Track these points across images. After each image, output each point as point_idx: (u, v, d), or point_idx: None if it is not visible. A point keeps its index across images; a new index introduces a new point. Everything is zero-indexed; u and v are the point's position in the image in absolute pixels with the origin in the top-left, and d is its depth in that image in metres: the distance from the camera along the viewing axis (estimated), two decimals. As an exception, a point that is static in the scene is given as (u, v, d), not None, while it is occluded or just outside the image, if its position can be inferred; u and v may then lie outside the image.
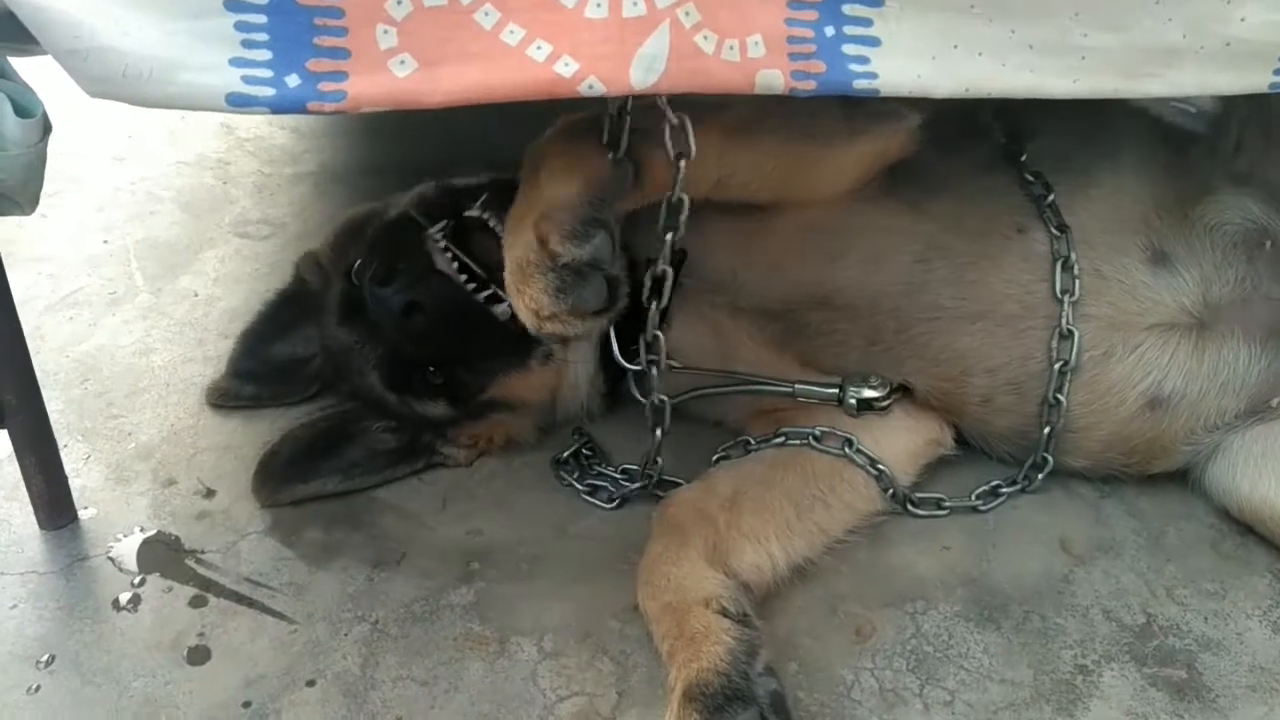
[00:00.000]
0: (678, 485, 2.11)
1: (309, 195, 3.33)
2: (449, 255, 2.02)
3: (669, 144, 1.66)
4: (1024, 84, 1.58)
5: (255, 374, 2.46)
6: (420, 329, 2.01)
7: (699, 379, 2.19)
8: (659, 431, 2.00)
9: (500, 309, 2.00)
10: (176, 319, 2.74)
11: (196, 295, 2.84)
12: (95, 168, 3.50)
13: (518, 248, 1.72)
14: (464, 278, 2.01)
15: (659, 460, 2.07)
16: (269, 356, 2.47)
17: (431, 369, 2.17)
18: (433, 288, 2.00)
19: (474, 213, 2.05)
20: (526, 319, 1.72)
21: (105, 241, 3.10)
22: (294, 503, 2.17)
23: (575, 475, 2.24)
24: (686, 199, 1.72)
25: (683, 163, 1.68)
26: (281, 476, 2.19)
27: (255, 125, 3.78)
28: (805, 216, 2.07)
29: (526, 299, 1.70)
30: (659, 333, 1.88)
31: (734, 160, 1.92)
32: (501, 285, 1.86)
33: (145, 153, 3.61)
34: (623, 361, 2.02)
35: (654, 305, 1.84)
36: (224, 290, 2.85)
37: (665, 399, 1.97)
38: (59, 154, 3.45)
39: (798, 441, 2.10)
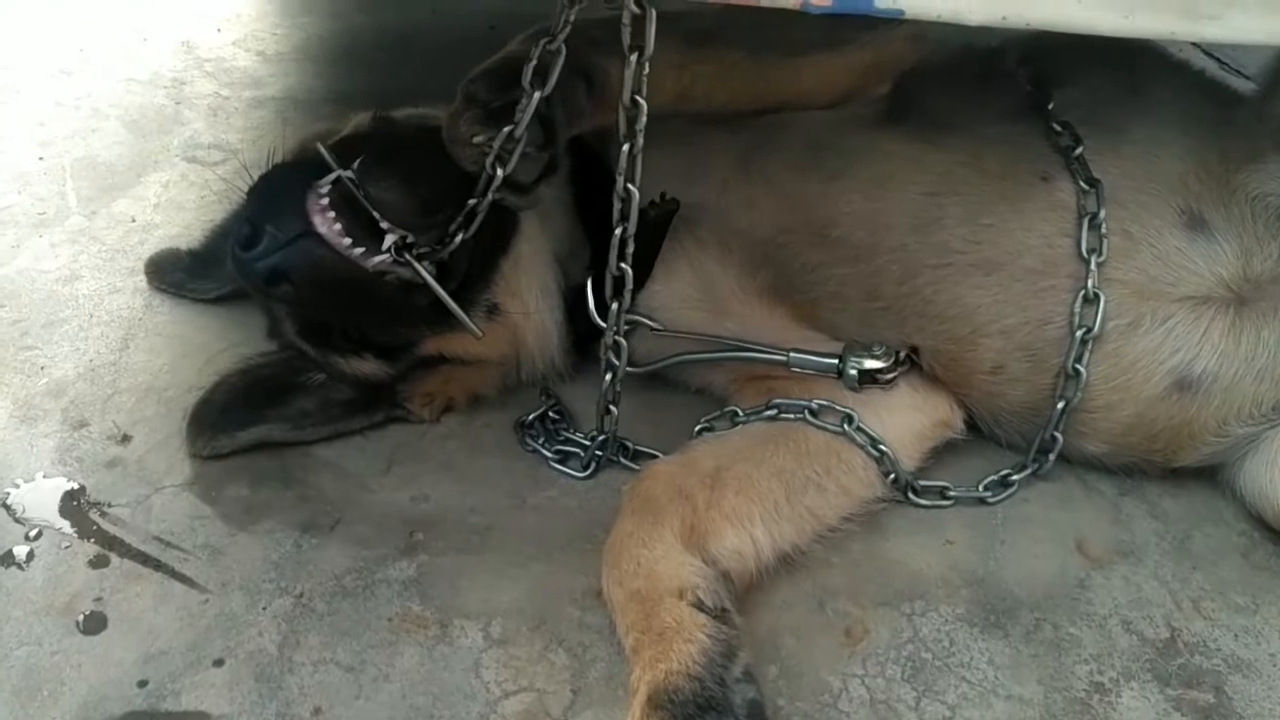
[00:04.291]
0: (654, 459, 1.91)
1: (269, 121, 3.08)
2: (332, 216, 1.71)
3: (626, 37, 1.48)
4: (1069, 17, 1.40)
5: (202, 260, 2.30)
6: (289, 298, 1.77)
7: (683, 343, 1.98)
8: (611, 376, 1.83)
9: (409, 270, 1.75)
10: (108, 245, 2.51)
11: (133, 221, 2.60)
12: (38, 80, 3.25)
13: (453, 107, 1.70)
14: (348, 241, 1.71)
15: (613, 409, 1.89)
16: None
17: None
18: (303, 254, 1.71)
19: (349, 174, 1.73)
20: (463, 160, 1.68)
21: (40, 158, 2.86)
22: (234, 452, 1.95)
23: (541, 441, 2.02)
24: (644, 103, 1.55)
25: (638, 59, 1.50)
26: (217, 424, 1.95)
27: (217, 46, 3.53)
28: (806, 133, 1.92)
29: (460, 135, 1.67)
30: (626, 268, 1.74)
31: (695, 71, 1.79)
32: (414, 241, 1.73)
33: (95, 68, 3.35)
34: (597, 319, 1.83)
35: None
36: (164, 217, 2.61)
37: (622, 341, 1.80)
38: (-1, 65, 3.32)
39: (791, 415, 1.90)
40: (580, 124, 1.72)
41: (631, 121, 1.56)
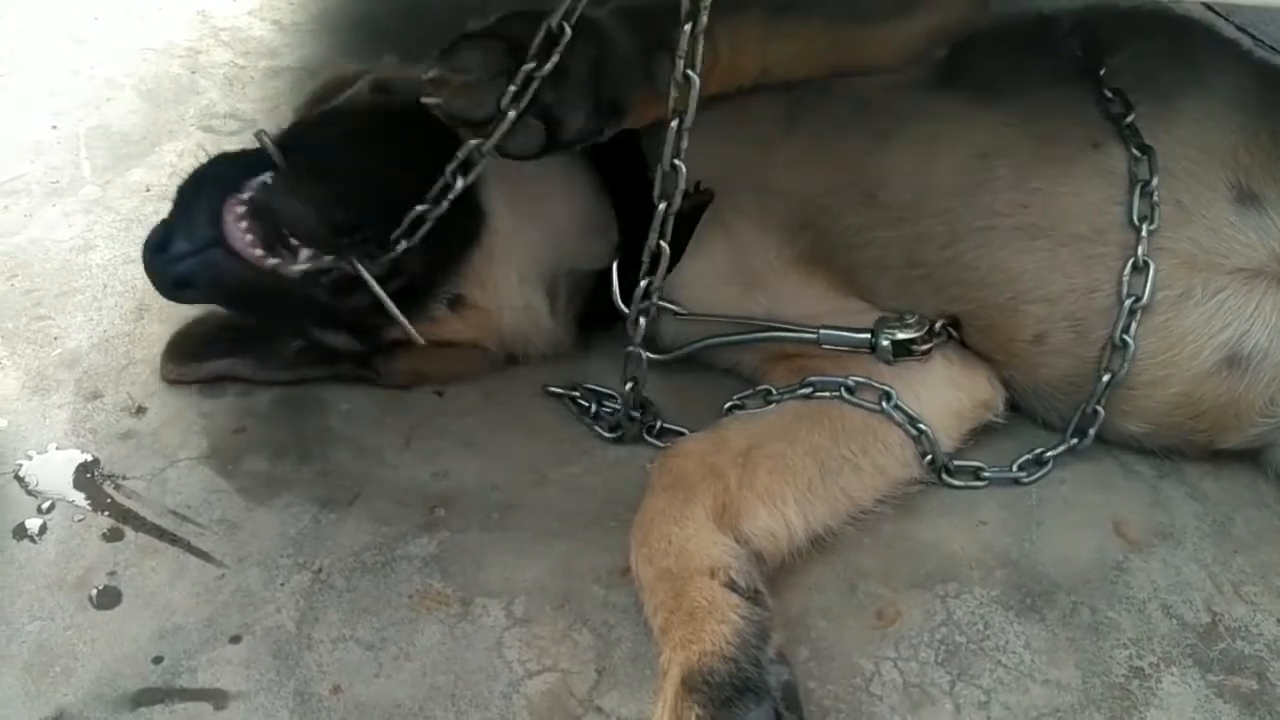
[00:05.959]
0: (681, 435, 1.87)
1: (284, 91, 3.01)
2: (244, 226, 1.62)
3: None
4: None
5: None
6: (194, 301, 1.78)
7: (709, 326, 1.94)
8: (630, 385, 1.84)
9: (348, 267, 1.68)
10: (123, 215, 2.46)
11: (148, 190, 2.55)
12: (51, 49, 3.19)
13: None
14: (259, 252, 1.63)
15: (635, 416, 1.90)
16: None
17: None
18: (209, 266, 1.65)
19: (265, 181, 1.65)
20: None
21: (54, 127, 2.81)
22: (198, 381, 1.98)
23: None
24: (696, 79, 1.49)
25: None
26: (196, 353, 1.99)
27: (233, 15, 3.46)
28: (855, 92, 1.88)
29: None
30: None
31: (779, 48, 1.72)
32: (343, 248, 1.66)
33: (109, 36, 3.29)
34: (620, 305, 1.79)
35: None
36: (179, 187, 2.54)
37: (643, 352, 1.78)
38: (9, 32, 3.26)
39: (827, 393, 1.84)
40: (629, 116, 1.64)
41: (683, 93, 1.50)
